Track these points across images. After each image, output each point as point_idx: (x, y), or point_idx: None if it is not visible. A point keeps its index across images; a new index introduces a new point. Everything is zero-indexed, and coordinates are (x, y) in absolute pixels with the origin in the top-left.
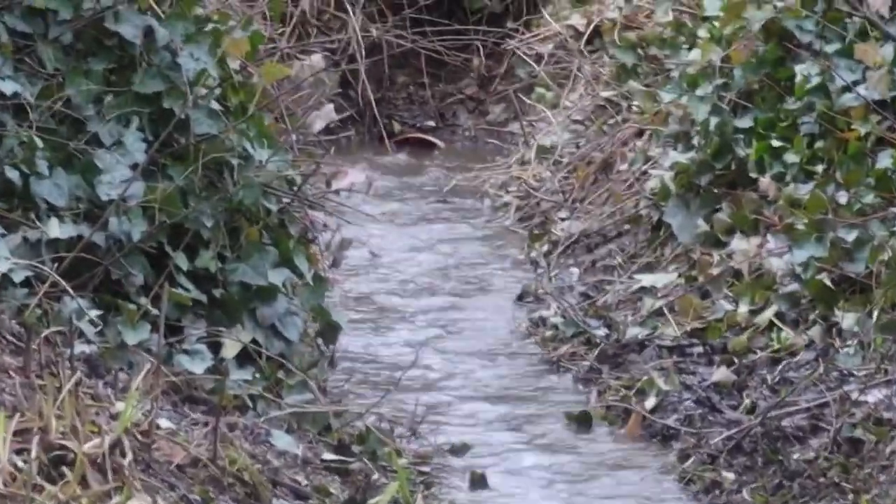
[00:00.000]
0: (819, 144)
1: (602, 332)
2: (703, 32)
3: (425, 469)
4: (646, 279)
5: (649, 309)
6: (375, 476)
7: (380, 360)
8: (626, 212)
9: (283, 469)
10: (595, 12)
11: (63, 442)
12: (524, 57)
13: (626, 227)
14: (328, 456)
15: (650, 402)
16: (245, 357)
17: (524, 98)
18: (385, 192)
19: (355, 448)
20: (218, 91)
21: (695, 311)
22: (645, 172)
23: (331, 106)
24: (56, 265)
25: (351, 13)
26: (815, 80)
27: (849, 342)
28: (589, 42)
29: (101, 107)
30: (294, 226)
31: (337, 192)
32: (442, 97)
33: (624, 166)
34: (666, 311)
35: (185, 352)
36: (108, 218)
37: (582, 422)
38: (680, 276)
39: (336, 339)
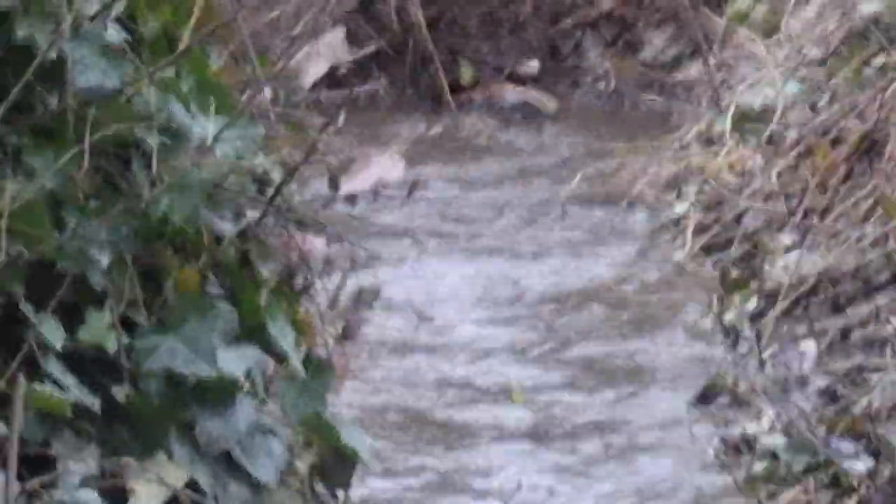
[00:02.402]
0: None
1: (863, 464)
2: None
3: None
4: None
5: None
6: None
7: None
8: None
9: None
10: None
11: None
12: None
13: None
14: None
15: None
16: None
17: (712, 17)
18: (445, 196)
19: None
20: (120, 8)
21: None
22: None
23: (340, 33)
24: None
25: None
26: None
27: None
28: None
29: None
30: (268, 264)
31: (352, 199)
32: (553, 17)
33: None
34: None
35: None
36: None
37: None
38: None
39: (350, 480)
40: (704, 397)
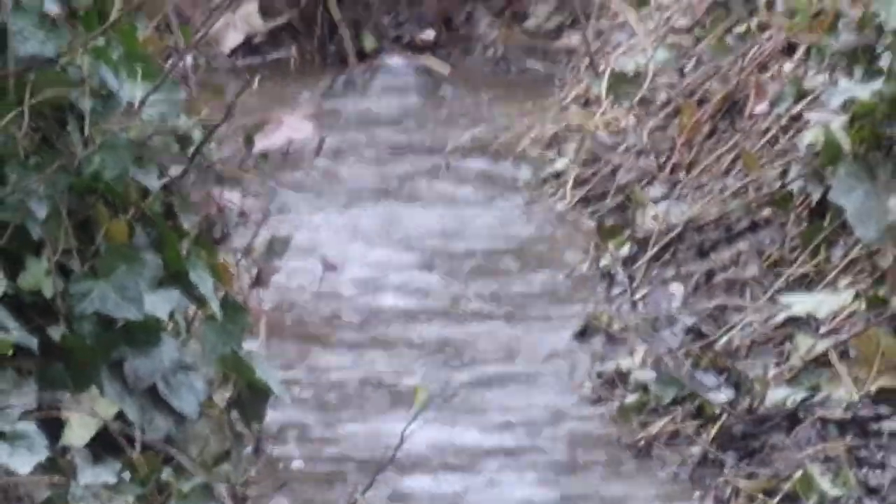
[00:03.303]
0: None
1: (724, 395)
2: None
3: None
4: (799, 303)
5: (805, 355)
6: None
7: (340, 447)
8: (765, 187)
9: None
10: None
11: None
12: None
13: (766, 213)
14: None
15: None
16: (105, 444)
17: None
18: (348, 151)
19: None
20: None
21: (884, 359)
22: (798, 117)
23: (253, 6)
24: None
25: None
26: None
27: None
28: None
29: None
30: (190, 216)
31: (264, 156)
32: None
33: (762, 107)
34: (834, 358)
35: (1, 436)
36: None
37: None
38: (858, 297)
39: (263, 412)
40: (583, 334)
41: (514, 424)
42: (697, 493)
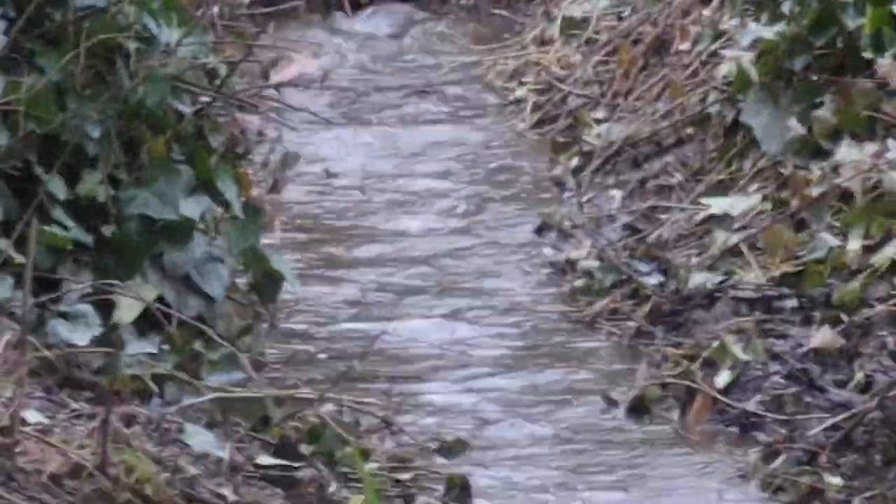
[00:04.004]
0: None
1: (655, 279)
2: None
3: (404, 476)
4: (716, 204)
5: (721, 246)
6: (333, 488)
7: (340, 327)
8: (688, 110)
9: (201, 479)
10: None
11: None
12: None
13: (689, 131)
14: (266, 460)
15: (723, 379)
16: (148, 322)
17: None
18: (346, 82)
19: (304, 449)
20: None
21: (786, 249)
22: (715, 54)
23: None
24: None
25: None
26: None
27: None
28: None
29: None
30: (217, 136)
31: (278, 86)
32: None
33: (685, 45)
34: (745, 249)
35: (63, 315)
36: None
37: (628, 408)
38: (765, 199)
39: (277, 294)
40: (539, 231)
41: (475, 307)
42: (633, 359)
